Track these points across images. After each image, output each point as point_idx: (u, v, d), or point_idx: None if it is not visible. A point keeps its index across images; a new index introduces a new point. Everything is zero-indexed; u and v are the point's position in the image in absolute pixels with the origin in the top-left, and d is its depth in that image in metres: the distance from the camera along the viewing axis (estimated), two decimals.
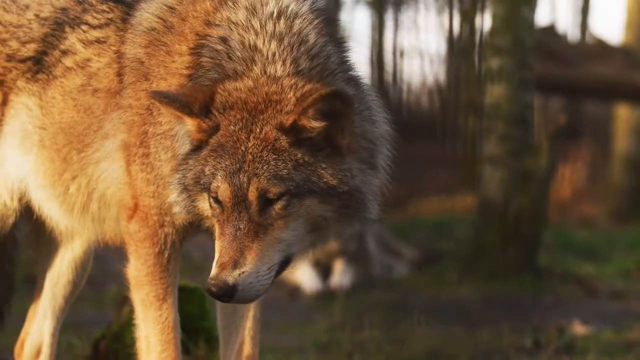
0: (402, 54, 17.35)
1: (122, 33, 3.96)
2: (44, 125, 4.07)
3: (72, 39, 4.06)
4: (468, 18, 16.01)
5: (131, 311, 4.04)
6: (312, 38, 3.62)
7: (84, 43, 4.04)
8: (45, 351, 4.57)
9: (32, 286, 4.62)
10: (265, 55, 3.57)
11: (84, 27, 4.07)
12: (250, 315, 4.03)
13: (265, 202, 3.44)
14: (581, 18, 19.29)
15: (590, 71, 12.12)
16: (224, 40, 3.63)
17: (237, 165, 3.45)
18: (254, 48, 3.58)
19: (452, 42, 16.94)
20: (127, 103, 3.85)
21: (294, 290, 8.92)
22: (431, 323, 6.70)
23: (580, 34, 18.85)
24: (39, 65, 4.11)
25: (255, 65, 3.56)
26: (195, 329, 5.16)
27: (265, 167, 3.43)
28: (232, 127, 3.49)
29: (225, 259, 3.43)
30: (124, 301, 5.10)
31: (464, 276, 8.72)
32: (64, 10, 4.13)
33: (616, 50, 12.53)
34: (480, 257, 8.78)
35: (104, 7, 4.07)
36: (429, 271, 9.33)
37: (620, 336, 6.72)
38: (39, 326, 4.57)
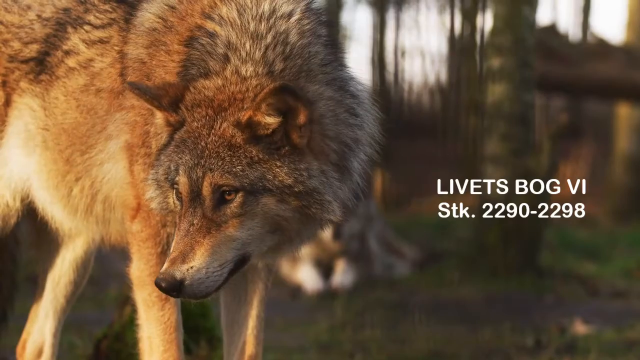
0: (403, 54, 17.35)
1: (124, 33, 3.96)
2: (46, 126, 4.07)
3: (75, 39, 4.07)
4: (469, 17, 15.99)
5: (133, 311, 4.04)
6: (293, 39, 3.63)
7: (86, 43, 4.05)
8: (47, 351, 4.58)
9: (34, 286, 4.62)
10: (239, 54, 3.60)
11: (86, 27, 4.07)
12: (253, 314, 4.03)
13: (220, 198, 3.46)
14: (582, 17, 19.29)
15: (592, 70, 12.11)
16: (211, 35, 3.67)
17: (196, 160, 3.49)
18: (232, 46, 3.62)
19: (453, 42, 16.94)
20: (129, 103, 3.86)
21: (296, 290, 8.92)
22: (432, 322, 6.70)
23: (581, 34, 18.84)
24: (41, 66, 4.11)
25: (229, 64, 3.60)
26: (196, 328, 5.17)
27: (219, 163, 3.47)
28: (195, 123, 3.53)
29: (176, 254, 3.45)
30: (125, 301, 5.11)
31: (465, 276, 8.71)
32: (66, 10, 4.13)
33: (617, 50, 12.52)
34: (482, 256, 8.77)
35: (107, 7, 4.07)
36: (430, 270, 9.32)
37: (622, 335, 6.72)
38: (41, 326, 4.58)
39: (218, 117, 3.52)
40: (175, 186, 3.54)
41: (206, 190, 3.47)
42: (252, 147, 3.48)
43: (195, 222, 3.47)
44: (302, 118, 3.48)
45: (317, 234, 3.80)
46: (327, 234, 8.90)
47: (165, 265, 3.46)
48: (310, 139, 3.52)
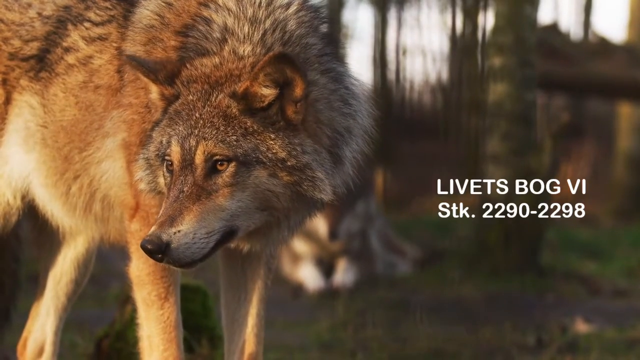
0: (404, 52, 17.32)
1: (123, 30, 3.97)
2: (45, 123, 4.07)
3: (75, 36, 4.07)
4: (470, 16, 15.98)
5: (134, 310, 4.04)
6: (291, 28, 3.66)
7: (86, 40, 4.05)
8: (48, 349, 4.58)
9: (35, 284, 4.62)
10: (237, 36, 3.62)
11: (86, 24, 4.08)
12: (254, 313, 4.03)
13: (212, 167, 3.48)
14: (584, 16, 19.25)
15: (593, 69, 12.10)
16: (207, 21, 3.68)
17: (190, 130, 3.50)
18: (230, 30, 3.64)
19: (454, 41, 16.92)
20: (127, 101, 3.87)
21: (297, 289, 8.92)
22: (434, 321, 6.70)
23: (582, 32, 18.81)
24: (41, 64, 4.11)
25: (227, 44, 3.62)
26: (197, 327, 5.16)
27: (214, 132, 3.48)
28: (190, 96, 3.55)
29: (164, 218, 3.45)
30: (126, 300, 5.10)
31: (467, 275, 8.71)
32: (66, 8, 4.14)
33: (619, 49, 12.51)
34: (483, 255, 8.77)
35: (107, 4, 4.08)
36: (431, 270, 9.32)
37: (623, 334, 6.72)
38: (42, 324, 4.58)
39: (214, 90, 3.54)
40: (167, 158, 3.54)
41: (199, 158, 3.48)
42: (247, 118, 3.49)
43: (185, 189, 3.48)
44: (298, 91, 3.49)
45: (304, 222, 3.80)
46: (323, 232, 8.92)
47: (153, 228, 3.46)
48: (305, 118, 3.53)
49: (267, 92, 3.50)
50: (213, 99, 3.52)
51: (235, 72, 3.55)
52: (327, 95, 3.63)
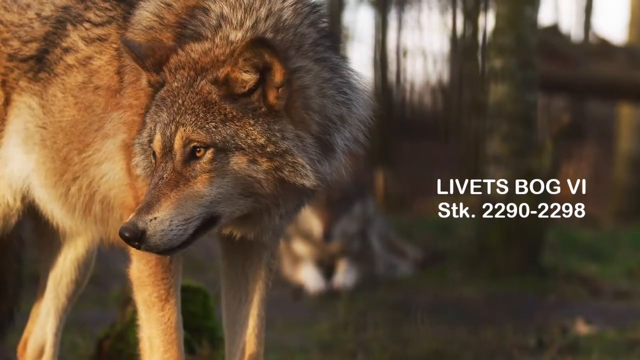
0: (405, 54, 17.35)
1: (123, 31, 3.97)
2: (44, 124, 4.07)
3: (74, 37, 4.07)
4: (471, 17, 16.00)
5: (135, 311, 4.04)
6: (287, 17, 3.66)
7: (85, 41, 4.05)
8: (48, 350, 4.57)
9: (36, 285, 4.62)
10: (231, 23, 3.62)
11: (86, 24, 4.07)
12: (254, 314, 4.02)
13: (190, 154, 3.47)
14: (584, 17, 19.28)
15: (594, 70, 12.10)
16: (206, 10, 3.69)
17: (171, 117, 3.51)
18: (225, 17, 3.64)
19: (455, 42, 16.95)
20: (127, 102, 3.87)
21: (298, 290, 8.91)
22: (434, 322, 6.70)
23: (583, 33, 18.84)
24: (40, 64, 4.11)
25: (220, 31, 3.62)
26: (198, 328, 5.16)
27: (192, 119, 3.47)
28: (175, 83, 3.55)
29: (142, 205, 3.46)
30: (127, 301, 5.10)
31: (467, 276, 8.72)
32: (65, 8, 4.13)
33: (619, 50, 12.51)
34: (484, 256, 8.77)
35: (106, 4, 4.07)
36: (432, 271, 9.32)
37: (624, 336, 6.72)
38: (42, 325, 4.57)
39: (199, 77, 3.53)
40: (151, 145, 3.55)
41: (177, 145, 3.47)
42: (228, 104, 3.48)
43: (165, 176, 3.48)
44: (278, 76, 3.48)
45: (298, 207, 3.77)
46: (318, 234, 8.94)
47: (131, 216, 3.46)
48: (290, 104, 3.52)
49: (248, 77, 3.49)
50: (196, 86, 3.52)
51: (221, 58, 3.55)
52: (319, 83, 3.62)
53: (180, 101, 3.51)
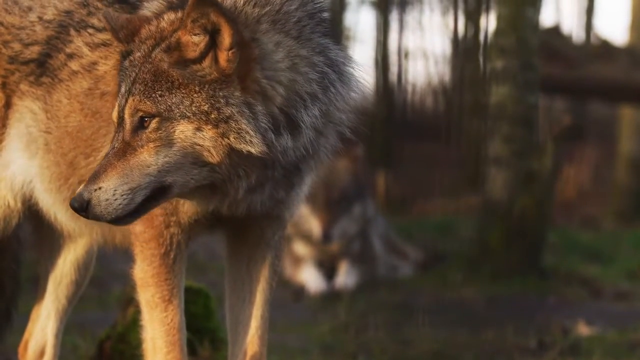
0: (406, 55, 17.33)
1: None
2: (49, 129, 4.06)
3: (78, 42, 4.06)
4: (472, 19, 16.01)
5: (136, 312, 4.04)
6: (287, 8, 3.62)
7: (90, 46, 4.05)
8: (49, 352, 4.58)
9: (36, 286, 4.62)
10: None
11: (90, 30, 4.07)
12: (258, 315, 4.02)
13: (139, 124, 3.47)
14: (586, 19, 19.26)
15: (595, 72, 12.09)
16: None
17: (127, 87, 3.52)
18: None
19: (456, 43, 16.94)
20: None
21: (299, 291, 8.91)
22: (436, 324, 6.70)
23: (584, 35, 18.82)
24: (42, 68, 4.10)
25: None
26: (199, 329, 5.17)
27: (141, 88, 3.47)
28: (138, 54, 3.55)
29: (90, 176, 3.48)
30: (128, 301, 5.11)
31: (468, 277, 8.71)
32: (68, 13, 4.12)
33: (621, 51, 12.50)
34: (485, 257, 8.77)
35: (109, 9, 4.06)
36: (433, 272, 9.32)
37: (625, 337, 6.72)
38: (43, 327, 4.58)
39: (157, 46, 3.53)
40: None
41: (127, 114, 3.48)
42: (176, 71, 3.47)
43: (116, 146, 3.49)
44: (227, 37, 3.44)
45: (266, 179, 3.64)
46: (317, 234, 8.94)
47: (80, 187, 3.49)
48: (245, 72, 3.47)
49: (197, 40, 3.46)
50: (153, 55, 3.51)
51: (176, 24, 3.54)
52: (292, 58, 3.56)
53: (136, 71, 3.51)
